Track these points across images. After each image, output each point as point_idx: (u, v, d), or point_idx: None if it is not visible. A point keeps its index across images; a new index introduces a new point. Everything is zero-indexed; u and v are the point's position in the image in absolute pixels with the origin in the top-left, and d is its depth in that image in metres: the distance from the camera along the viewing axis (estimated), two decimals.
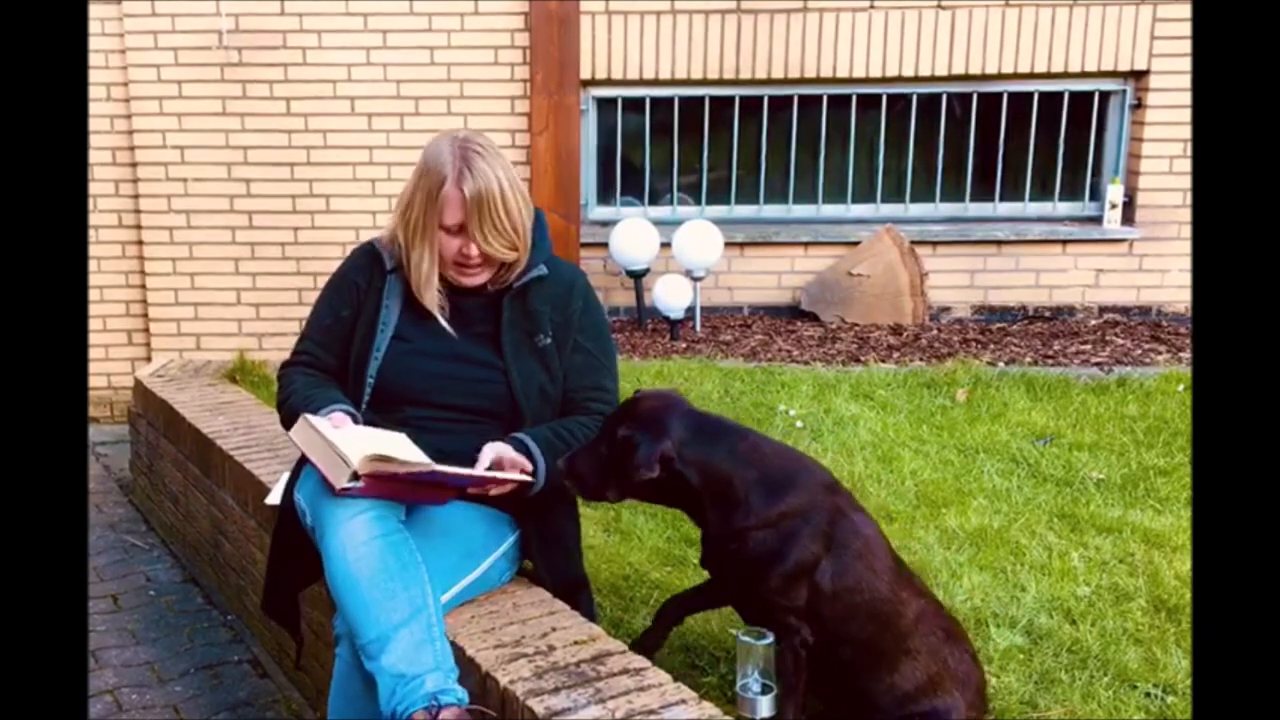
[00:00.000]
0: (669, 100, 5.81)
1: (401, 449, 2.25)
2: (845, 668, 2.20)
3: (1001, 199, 5.99)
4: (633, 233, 5.42)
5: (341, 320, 2.51)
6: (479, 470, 2.26)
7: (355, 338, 2.48)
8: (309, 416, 2.26)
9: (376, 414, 2.41)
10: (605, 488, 2.23)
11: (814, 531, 2.16)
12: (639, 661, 2.10)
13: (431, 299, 2.44)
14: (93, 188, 5.37)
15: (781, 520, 2.16)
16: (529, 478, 2.32)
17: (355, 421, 2.35)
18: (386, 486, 2.20)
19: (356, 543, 2.14)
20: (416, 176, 2.40)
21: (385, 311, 2.47)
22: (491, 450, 2.30)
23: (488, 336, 2.46)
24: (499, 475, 2.27)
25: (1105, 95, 5.85)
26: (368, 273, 2.51)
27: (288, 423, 2.50)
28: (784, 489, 2.18)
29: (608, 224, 5.72)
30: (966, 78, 5.73)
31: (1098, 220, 5.89)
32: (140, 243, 5.43)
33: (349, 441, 2.19)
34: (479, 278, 2.44)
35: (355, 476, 2.14)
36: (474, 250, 2.37)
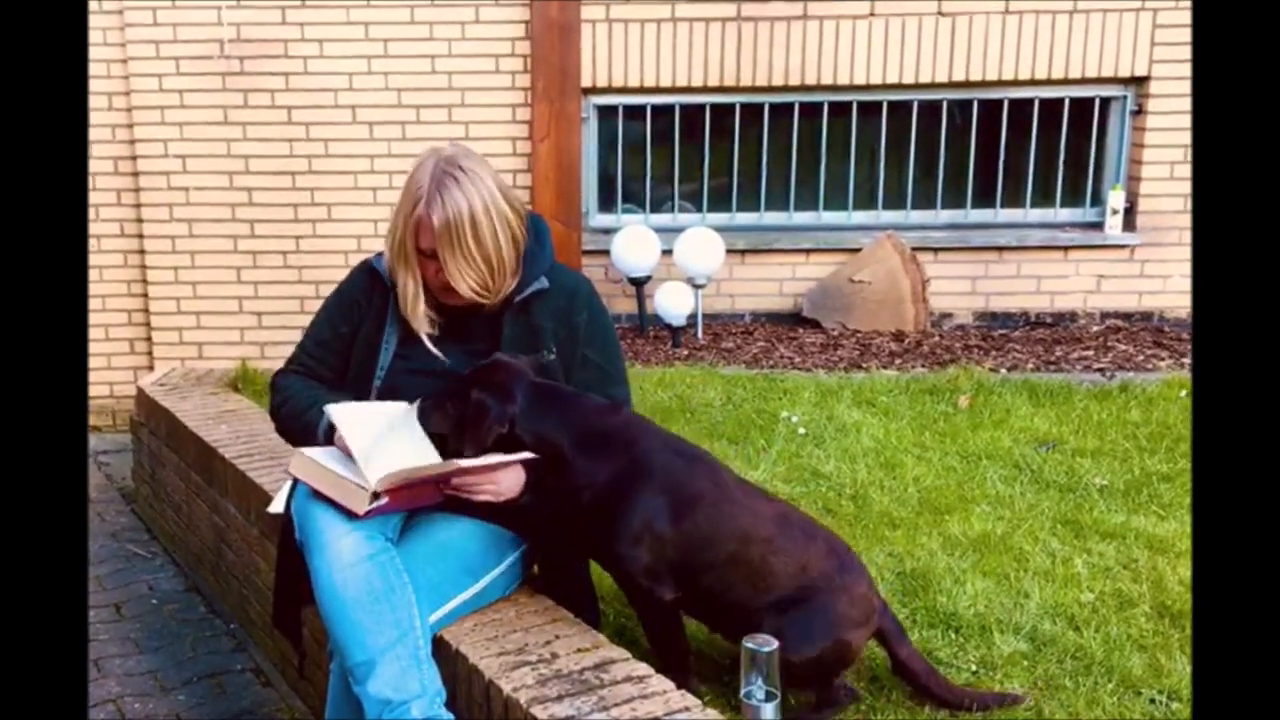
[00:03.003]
0: (670, 108, 5.82)
1: (405, 443, 2.24)
2: (714, 592, 2.29)
3: (1002, 205, 5.99)
4: (634, 240, 5.42)
5: (340, 336, 2.51)
6: (494, 458, 2.25)
7: (356, 354, 2.48)
8: (304, 451, 2.26)
9: None
10: (460, 443, 2.27)
11: (643, 487, 2.25)
12: (642, 669, 2.10)
13: (419, 321, 2.41)
14: (94, 197, 5.38)
15: (609, 480, 2.25)
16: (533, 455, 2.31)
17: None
18: (409, 494, 2.19)
19: (343, 564, 2.13)
20: (401, 196, 2.37)
21: (388, 329, 2.46)
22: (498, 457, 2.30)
23: (488, 353, 2.43)
24: (515, 457, 2.26)
25: (1106, 101, 5.85)
26: (369, 291, 2.50)
27: (285, 430, 2.50)
28: (604, 450, 2.27)
29: (609, 231, 5.72)
30: (967, 84, 5.73)
31: (1099, 226, 5.88)
32: (142, 251, 5.43)
33: (357, 457, 2.17)
34: (461, 299, 2.40)
35: (375, 496, 2.13)
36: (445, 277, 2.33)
